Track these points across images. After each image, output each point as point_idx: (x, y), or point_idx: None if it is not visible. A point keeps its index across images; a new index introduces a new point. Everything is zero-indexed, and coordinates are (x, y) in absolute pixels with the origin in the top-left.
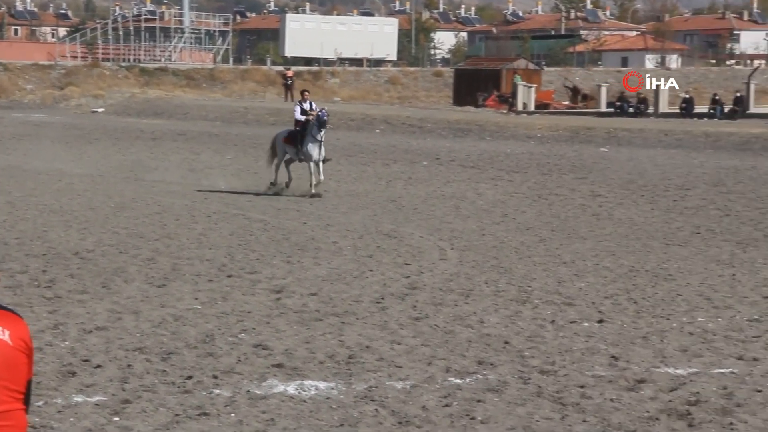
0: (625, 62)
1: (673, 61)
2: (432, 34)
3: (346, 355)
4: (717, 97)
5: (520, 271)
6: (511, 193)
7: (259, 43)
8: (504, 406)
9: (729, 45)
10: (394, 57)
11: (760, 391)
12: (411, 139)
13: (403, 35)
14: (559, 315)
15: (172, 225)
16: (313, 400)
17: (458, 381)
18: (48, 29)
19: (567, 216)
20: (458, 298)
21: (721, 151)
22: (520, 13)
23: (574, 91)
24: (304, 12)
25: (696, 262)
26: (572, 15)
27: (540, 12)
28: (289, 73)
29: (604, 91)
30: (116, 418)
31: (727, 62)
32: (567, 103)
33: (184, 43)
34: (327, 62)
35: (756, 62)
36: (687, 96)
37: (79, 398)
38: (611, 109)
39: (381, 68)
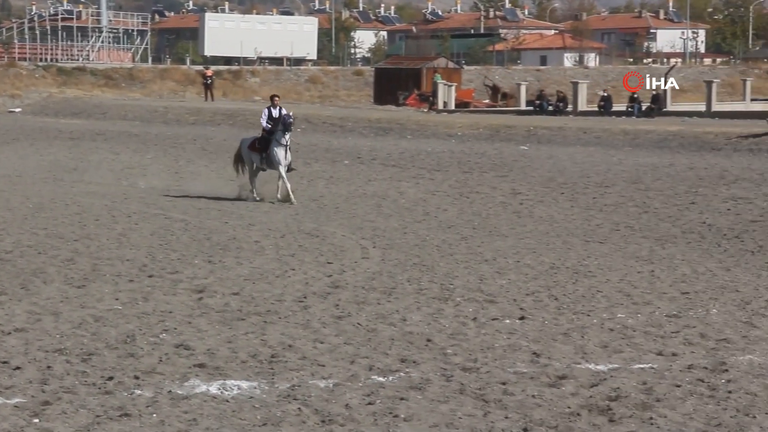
0: (544, 61)
1: (592, 60)
2: (352, 33)
3: (268, 354)
4: (635, 95)
5: (442, 269)
6: (433, 191)
7: (178, 42)
8: (427, 404)
9: (646, 43)
10: (314, 56)
11: (679, 386)
12: (332, 138)
13: (323, 34)
14: (481, 312)
15: (91, 225)
16: (236, 399)
17: (381, 379)
18: None
19: (488, 214)
20: (381, 296)
21: (639, 149)
22: (440, 12)
23: (494, 90)
24: (223, 11)
25: (615, 258)
26: (491, 14)
27: (459, 11)
28: (209, 73)
29: (523, 89)
30: (36, 420)
31: (644, 60)
32: (487, 101)
33: (102, 42)
34: (247, 61)
35: (672, 60)
36: (605, 94)
37: None
38: (531, 108)
39: (301, 67)
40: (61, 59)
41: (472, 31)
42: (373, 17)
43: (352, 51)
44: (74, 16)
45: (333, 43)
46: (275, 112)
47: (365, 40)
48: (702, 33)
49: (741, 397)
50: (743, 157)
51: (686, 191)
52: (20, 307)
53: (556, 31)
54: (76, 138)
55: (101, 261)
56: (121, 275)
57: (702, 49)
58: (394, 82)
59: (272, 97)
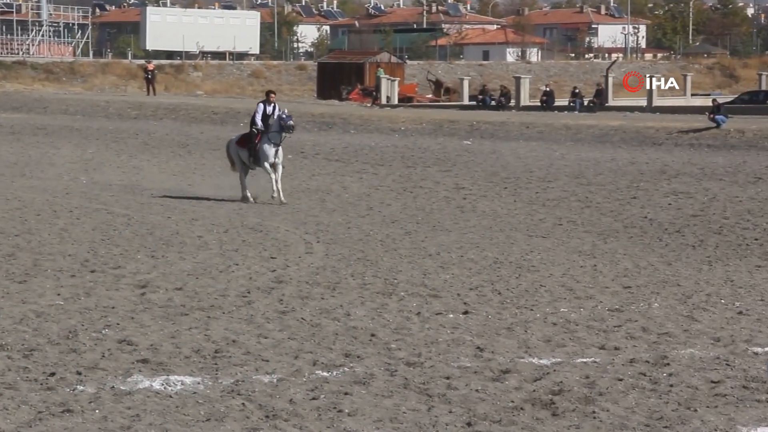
0: (486, 56)
1: (534, 55)
2: (295, 28)
3: (212, 349)
4: (576, 90)
5: (386, 264)
6: (376, 186)
7: (119, 36)
8: (371, 399)
9: (587, 39)
10: (256, 50)
11: (621, 380)
12: None
13: (266, 29)
14: (425, 307)
15: (32, 220)
16: (179, 395)
17: (325, 374)
18: None
19: (432, 208)
20: (324, 291)
21: (581, 144)
22: (382, 7)
23: (437, 85)
24: (164, 5)
25: (558, 253)
26: (434, 9)
27: (402, 5)
28: (150, 67)
29: (466, 84)
30: None
31: (586, 56)
32: (430, 96)
33: (43, 36)
34: (189, 56)
35: (614, 55)
36: (547, 89)
37: None
38: (474, 103)
39: (244, 62)
40: (1, 53)
41: (415, 26)
42: (316, 11)
43: (295, 45)
44: (14, 10)
45: (276, 37)
46: (270, 109)
47: (308, 34)
48: (643, 28)
49: (682, 390)
50: (684, 152)
51: (628, 186)
52: None
53: (499, 26)
54: (16, 132)
55: (43, 256)
56: (62, 270)
57: (643, 44)
58: (337, 77)
59: (268, 93)
